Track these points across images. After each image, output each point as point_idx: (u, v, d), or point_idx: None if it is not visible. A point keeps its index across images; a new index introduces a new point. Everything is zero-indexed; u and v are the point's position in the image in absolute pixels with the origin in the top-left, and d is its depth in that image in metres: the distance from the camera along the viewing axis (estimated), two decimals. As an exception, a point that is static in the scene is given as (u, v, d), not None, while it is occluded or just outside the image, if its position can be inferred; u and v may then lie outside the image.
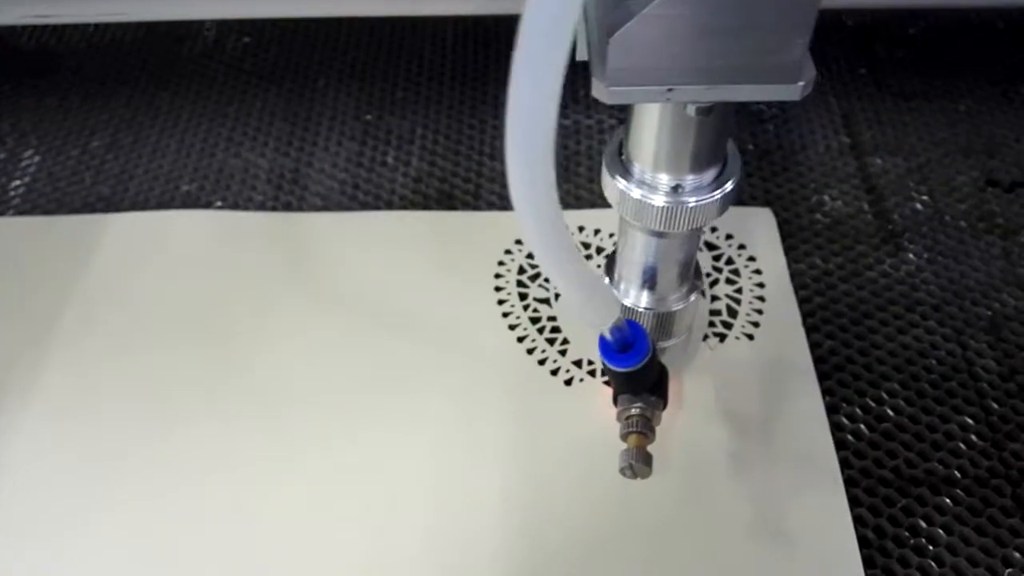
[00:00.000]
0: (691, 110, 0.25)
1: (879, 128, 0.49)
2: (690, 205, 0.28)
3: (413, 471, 0.35)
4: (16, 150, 0.49)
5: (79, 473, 0.35)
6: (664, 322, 0.34)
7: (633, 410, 0.31)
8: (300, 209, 0.45)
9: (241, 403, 0.37)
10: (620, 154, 0.29)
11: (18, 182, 0.47)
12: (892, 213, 0.45)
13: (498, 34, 0.54)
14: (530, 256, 0.42)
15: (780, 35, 0.23)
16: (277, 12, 0.56)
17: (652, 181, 0.28)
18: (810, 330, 0.40)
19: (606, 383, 0.37)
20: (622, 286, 0.34)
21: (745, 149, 0.48)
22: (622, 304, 0.33)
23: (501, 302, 0.41)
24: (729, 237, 0.43)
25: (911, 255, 0.43)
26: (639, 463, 0.30)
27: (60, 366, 0.39)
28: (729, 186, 0.29)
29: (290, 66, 0.54)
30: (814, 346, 0.39)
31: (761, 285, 0.41)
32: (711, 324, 0.40)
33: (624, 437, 0.31)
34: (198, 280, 0.42)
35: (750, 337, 0.39)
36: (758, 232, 0.43)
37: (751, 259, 0.42)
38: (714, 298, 0.41)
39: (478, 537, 0.33)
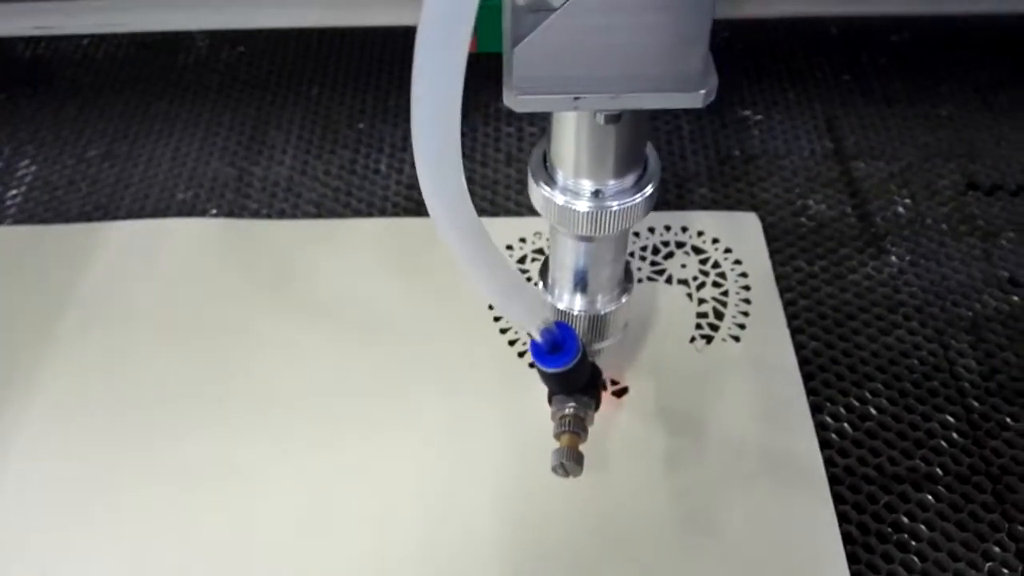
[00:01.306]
0: (600, 118, 0.26)
1: (862, 133, 0.50)
2: (613, 209, 0.29)
3: (407, 474, 0.36)
4: (12, 160, 0.50)
5: (77, 478, 0.36)
6: (597, 324, 0.34)
7: (567, 410, 0.32)
8: (294, 216, 0.46)
9: (237, 408, 0.38)
10: (544, 162, 0.30)
11: (15, 191, 0.48)
12: (875, 216, 0.46)
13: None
14: (521, 261, 0.43)
15: (678, 46, 0.24)
16: (270, 23, 0.56)
17: (575, 187, 0.29)
18: (795, 331, 0.40)
19: (614, 394, 0.38)
20: (556, 290, 0.34)
21: (731, 155, 0.49)
22: (556, 308, 0.34)
23: (491, 306, 0.41)
24: (716, 241, 0.44)
25: (894, 257, 0.44)
26: (571, 462, 0.31)
27: (58, 372, 0.39)
28: (649, 189, 0.29)
29: (283, 75, 0.55)
30: (799, 347, 0.40)
31: (747, 288, 0.42)
32: (698, 327, 0.41)
33: (557, 436, 0.32)
34: (194, 287, 0.43)
35: (736, 339, 0.40)
36: (744, 236, 0.44)
37: (737, 262, 0.43)
38: (701, 301, 0.42)
39: (471, 537, 0.34)
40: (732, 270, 0.43)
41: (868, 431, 0.37)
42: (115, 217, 0.46)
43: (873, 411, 0.38)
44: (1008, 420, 0.38)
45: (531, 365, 0.39)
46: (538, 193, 0.30)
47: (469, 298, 0.42)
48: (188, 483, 0.36)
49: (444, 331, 0.41)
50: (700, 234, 0.44)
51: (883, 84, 0.54)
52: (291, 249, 0.44)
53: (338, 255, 0.44)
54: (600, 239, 0.31)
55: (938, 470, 0.36)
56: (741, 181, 0.47)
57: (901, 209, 0.46)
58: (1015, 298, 0.42)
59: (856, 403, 0.38)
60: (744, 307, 0.41)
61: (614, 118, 0.26)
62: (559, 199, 0.29)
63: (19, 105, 0.53)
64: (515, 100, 0.25)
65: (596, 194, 0.29)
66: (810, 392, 0.38)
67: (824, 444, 0.37)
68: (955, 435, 0.37)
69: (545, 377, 0.31)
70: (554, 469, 0.32)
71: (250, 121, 0.52)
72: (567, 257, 0.33)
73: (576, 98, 0.25)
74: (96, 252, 0.44)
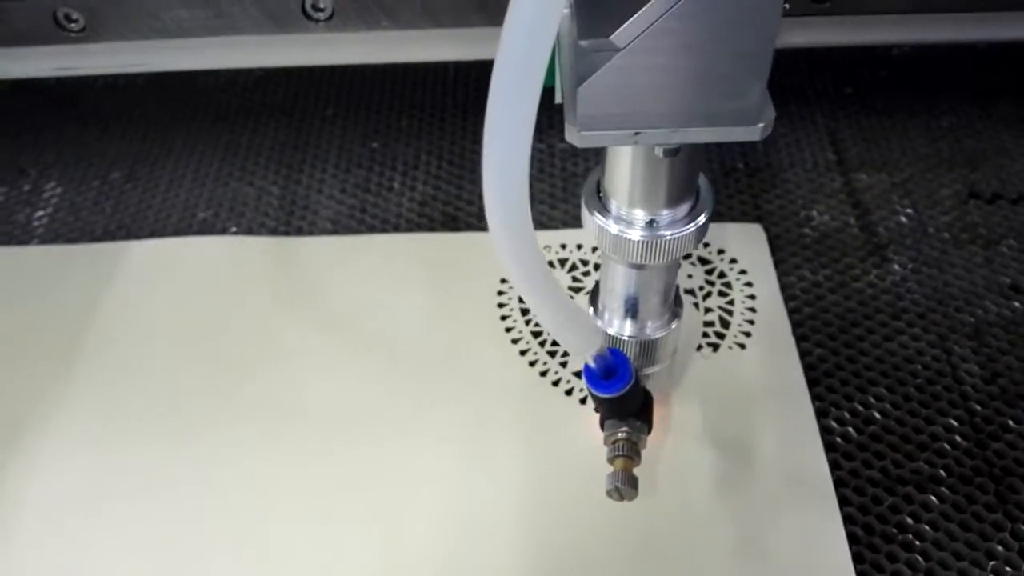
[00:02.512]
0: (659, 152, 0.27)
1: (864, 145, 0.52)
2: (667, 238, 0.29)
3: (422, 484, 0.37)
4: (39, 183, 0.51)
5: (100, 485, 0.37)
6: (647, 349, 0.35)
7: (619, 434, 0.33)
8: (311, 233, 0.47)
9: (255, 421, 0.39)
10: (598, 192, 0.31)
11: (41, 212, 0.49)
12: (877, 226, 0.47)
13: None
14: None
15: (738, 82, 0.24)
16: (286, 62, 0.57)
17: (628, 217, 0.30)
18: (800, 339, 0.41)
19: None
20: (606, 316, 0.35)
21: (735, 168, 0.50)
22: (606, 333, 0.35)
23: (504, 317, 0.43)
24: (721, 252, 0.45)
25: (896, 266, 0.45)
26: (625, 486, 0.32)
27: (84, 383, 0.41)
28: (702, 219, 0.30)
29: (299, 98, 0.56)
30: (804, 354, 0.41)
31: (752, 297, 0.43)
32: (704, 335, 0.42)
33: (611, 460, 0.33)
34: (215, 302, 0.44)
35: (742, 346, 0.41)
36: (749, 247, 0.45)
37: (742, 272, 0.44)
38: (707, 310, 0.43)
39: (488, 546, 0.35)
40: (737, 280, 0.44)
41: (872, 435, 0.38)
42: (138, 236, 0.48)
43: (877, 415, 0.39)
44: (1010, 423, 0.38)
45: (555, 384, 0.40)
46: (591, 222, 0.30)
47: (481, 308, 0.43)
48: (208, 492, 0.37)
49: (457, 341, 0.42)
50: (706, 245, 0.45)
51: (884, 97, 0.55)
52: (308, 264, 0.45)
53: (354, 270, 0.45)
54: (651, 266, 0.32)
55: (942, 472, 0.37)
56: (745, 193, 0.49)
57: (903, 219, 0.47)
58: (1016, 304, 0.43)
59: (860, 408, 0.39)
60: (750, 315, 0.42)
61: (672, 151, 0.27)
62: (613, 228, 0.30)
63: (45, 130, 0.55)
64: (578, 136, 0.25)
65: (650, 224, 0.30)
66: (815, 397, 0.39)
67: (829, 448, 0.37)
68: (958, 438, 0.38)
69: (598, 402, 0.32)
70: (609, 493, 0.32)
71: (267, 143, 0.53)
72: (618, 284, 0.33)
73: (636, 133, 0.25)
74: (120, 269, 0.45)
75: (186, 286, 0.45)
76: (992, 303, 0.43)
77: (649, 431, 0.34)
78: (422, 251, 0.46)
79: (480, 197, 0.50)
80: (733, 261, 0.45)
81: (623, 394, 0.31)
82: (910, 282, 0.44)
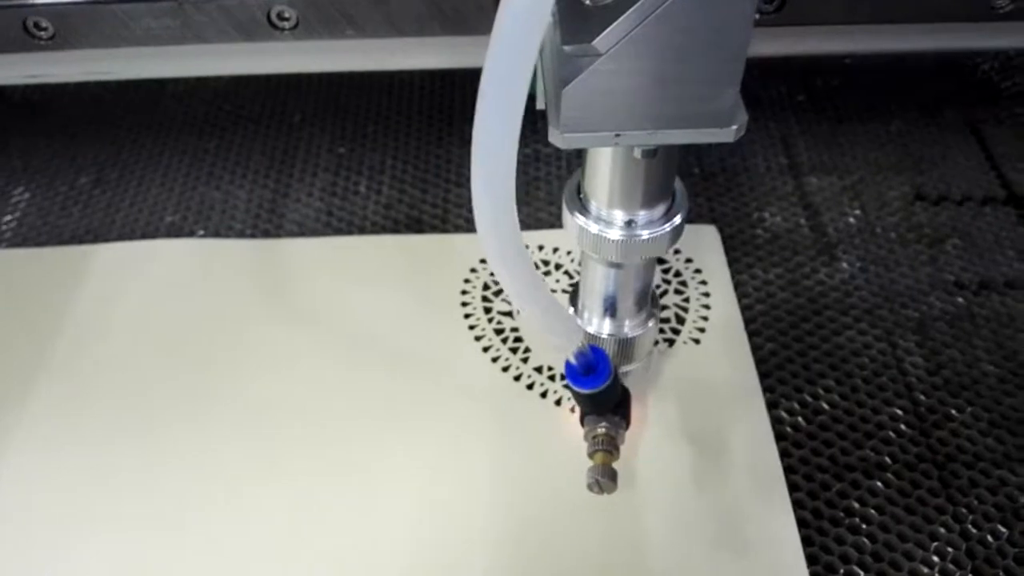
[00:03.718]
0: (637, 153, 0.28)
1: (815, 150, 0.53)
2: (643, 238, 0.31)
3: (391, 482, 0.37)
4: (6, 188, 0.52)
5: (69, 487, 0.37)
6: (625, 347, 0.36)
7: (599, 429, 0.34)
8: (278, 236, 0.48)
9: (225, 421, 0.40)
10: (579, 193, 0.32)
11: (9, 217, 0.50)
12: (827, 227, 0.49)
13: (461, 79, 0.57)
14: (494, 273, 0.46)
15: (713, 86, 0.26)
16: (253, 70, 0.58)
17: (608, 217, 0.31)
18: (752, 334, 0.43)
19: (572, 409, 0.40)
20: (585, 315, 0.36)
21: (691, 172, 0.52)
22: (586, 331, 0.36)
23: (468, 315, 0.44)
24: (677, 252, 0.46)
25: (845, 264, 0.47)
26: (605, 479, 0.33)
27: (53, 389, 0.41)
28: (678, 219, 0.31)
29: (266, 106, 0.57)
30: (756, 348, 0.42)
31: (707, 295, 0.44)
32: (661, 331, 0.43)
33: (591, 455, 0.34)
34: (183, 304, 0.45)
35: (696, 342, 0.42)
36: (704, 247, 0.47)
37: (697, 271, 0.46)
38: (664, 307, 0.44)
39: (461, 541, 0.36)
40: (693, 278, 0.45)
41: (821, 424, 0.40)
42: (107, 240, 0.48)
43: (826, 406, 0.40)
44: (953, 412, 0.40)
45: (516, 379, 0.41)
46: (572, 222, 0.32)
47: (445, 307, 0.44)
48: (178, 495, 0.37)
49: (421, 339, 0.43)
50: (663, 245, 0.47)
51: (835, 104, 0.57)
52: (275, 266, 0.46)
53: (320, 271, 0.46)
54: (629, 265, 0.33)
55: (887, 459, 0.38)
56: (701, 196, 0.50)
57: (852, 219, 0.49)
58: (960, 300, 0.45)
59: (809, 399, 0.41)
60: (704, 312, 0.44)
61: (650, 153, 0.28)
62: (593, 228, 0.31)
63: (12, 135, 0.55)
64: (560, 138, 0.26)
65: (629, 224, 0.31)
66: (766, 389, 0.41)
67: (780, 436, 0.39)
68: (903, 426, 0.40)
69: (579, 398, 0.33)
70: (589, 487, 0.33)
71: (235, 148, 0.54)
72: (597, 283, 0.35)
73: (617, 135, 0.26)
74: (89, 272, 0.46)
75: (155, 288, 0.45)
76: (936, 299, 0.45)
77: (627, 426, 0.35)
78: (387, 252, 0.47)
79: (443, 200, 0.51)
80: (689, 260, 0.46)
81: (602, 390, 0.32)
82: (858, 280, 0.46)
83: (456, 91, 0.56)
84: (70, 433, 0.39)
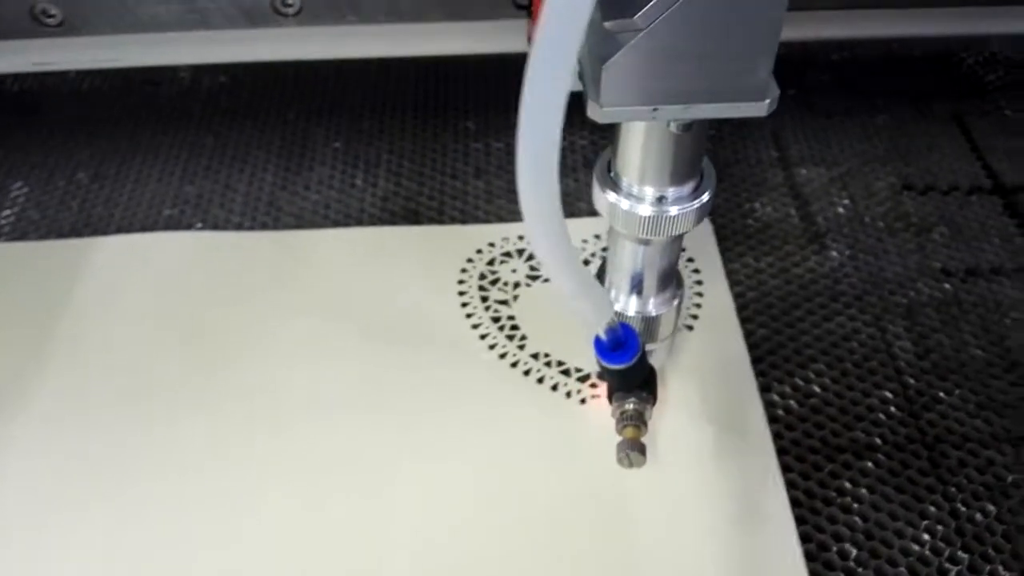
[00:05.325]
0: (673, 127, 0.29)
1: (805, 142, 0.54)
2: (672, 214, 0.31)
3: (391, 469, 0.38)
4: (5, 183, 0.52)
5: (72, 479, 0.38)
6: (650, 325, 0.37)
7: (628, 405, 0.35)
8: (276, 228, 0.49)
9: (226, 411, 0.40)
10: (609, 170, 0.33)
11: (8, 211, 0.50)
12: (817, 217, 0.49)
13: (456, 70, 0.58)
14: (490, 263, 0.46)
15: (748, 60, 0.26)
16: (249, 56, 0.59)
17: (639, 193, 0.32)
18: (744, 320, 0.44)
19: (580, 379, 0.41)
20: (612, 292, 0.37)
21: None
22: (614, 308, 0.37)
23: (464, 304, 0.44)
24: (670, 241, 0.47)
25: (834, 253, 0.47)
26: (635, 452, 0.34)
27: (54, 381, 0.41)
28: (706, 197, 0.32)
29: (264, 102, 0.58)
30: (748, 334, 0.43)
31: (700, 283, 0.45)
32: (655, 318, 0.44)
33: (620, 430, 0.35)
34: (182, 297, 0.45)
35: (690, 328, 0.43)
36: (697, 237, 0.48)
37: (690, 260, 0.46)
38: (658, 295, 0.45)
39: (456, 525, 0.36)
40: (686, 267, 0.46)
41: (812, 407, 0.40)
42: (105, 233, 0.49)
43: (817, 389, 0.41)
44: (941, 394, 0.41)
45: (513, 365, 0.42)
46: (603, 199, 0.32)
47: (442, 296, 0.45)
48: (179, 484, 0.37)
49: (419, 327, 0.43)
50: (656, 235, 0.48)
51: (824, 98, 0.58)
52: (274, 258, 0.47)
53: (319, 262, 0.46)
54: (656, 242, 0.34)
55: (877, 440, 0.39)
56: (693, 187, 0.51)
57: (841, 209, 0.50)
58: (947, 286, 0.46)
59: (801, 382, 0.41)
60: (698, 299, 0.44)
61: (686, 127, 0.29)
62: (624, 204, 0.32)
63: (10, 132, 0.55)
64: (600, 112, 0.27)
65: (660, 200, 0.31)
66: (759, 373, 0.41)
67: (772, 419, 0.40)
68: (893, 409, 0.40)
69: (608, 373, 0.34)
70: (619, 460, 0.34)
71: (232, 142, 0.55)
72: (626, 260, 0.35)
73: (654, 109, 0.27)
74: (88, 265, 0.46)
75: (153, 281, 0.46)
76: (924, 286, 0.46)
77: (654, 403, 0.36)
78: (384, 244, 0.48)
79: (439, 192, 0.52)
80: (682, 250, 0.47)
81: (632, 366, 0.32)
82: (847, 267, 0.47)
83: (451, 85, 0.57)
84: (69, 427, 0.39)
